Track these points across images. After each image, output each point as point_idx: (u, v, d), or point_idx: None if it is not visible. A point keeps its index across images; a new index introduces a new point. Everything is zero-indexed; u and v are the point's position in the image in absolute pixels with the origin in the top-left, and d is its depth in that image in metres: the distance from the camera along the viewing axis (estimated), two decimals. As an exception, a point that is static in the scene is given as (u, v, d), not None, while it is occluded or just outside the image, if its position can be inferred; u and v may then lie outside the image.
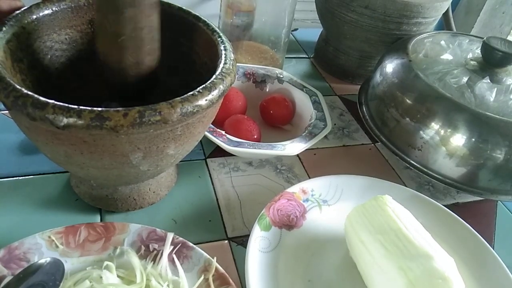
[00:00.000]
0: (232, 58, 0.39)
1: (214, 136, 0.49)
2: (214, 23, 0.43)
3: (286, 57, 0.72)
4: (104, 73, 0.39)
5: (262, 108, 0.60)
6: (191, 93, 0.33)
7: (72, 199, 0.46)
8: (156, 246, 0.40)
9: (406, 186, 0.54)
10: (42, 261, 0.36)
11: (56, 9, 0.40)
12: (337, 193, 0.50)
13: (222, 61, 0.38)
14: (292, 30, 0.88)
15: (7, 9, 0.37)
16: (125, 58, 0.38)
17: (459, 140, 0.49)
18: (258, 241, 0.42)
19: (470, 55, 0.59)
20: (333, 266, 0.44)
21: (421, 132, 0.52)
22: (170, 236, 0.40)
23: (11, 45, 0.36)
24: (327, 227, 0.47)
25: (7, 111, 0.52)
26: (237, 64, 0.40)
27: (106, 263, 0.37)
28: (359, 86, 0.67)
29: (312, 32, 0.85)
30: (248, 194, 0.51)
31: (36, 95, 0.29)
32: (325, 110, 0.57)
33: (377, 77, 0.60)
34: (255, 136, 0.54)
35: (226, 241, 0.45)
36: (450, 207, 0.51)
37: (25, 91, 0.30)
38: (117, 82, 0.40)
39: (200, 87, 0.34)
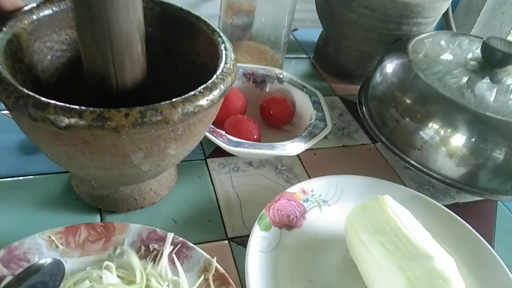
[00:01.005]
0: (232, 58, 0.39)
1: (214, 136, 0.49)
2: (214, 23, 0.43)
3: (286, 57, 0.72)
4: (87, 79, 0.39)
5: (262, 108, 0.60)
6: (192, 93, 0.33)
7: (72, 199, 0.46)
8: (156, 246, 0.40)
9: (406, 186, 0.54)
10: (42, 261, 0.36)
11: (56, 9, 0.40)
12: (337, 193, 0.50)
13: (223, 61, 0.38)
14: (292, 30, 0.88)
15: (11, 8, 0.37)
16: (106, 68, 0.37)
17: (459, 140, 0.49)
18: (258, 241, 0.42)
19: (470, 55, 0.59)
20: (333, 266, 0.44)
21: (421, 132, 0.52)
22: (170, 236, 0.40)
23: (11, 46, 0.36)
24: (327, 227, 0.47)
25: (7, 111, 0.52)
26: (237, 64, 0.40)
27: (106, 263, 0.37)
28: (359, 86, 0.67)
29: (312, 32, 0.85)
30: (248, 194, 0.51)
31: (37, 96, 0.29)
32: (325, 110, 0.57)
33: (377, 77, 0.60)
34: (255, 136, 0.54)
35: (226, 241, 0.45)
36: (450, 207, 0.51)
37: (26, 91, 0.30)
38: (103, 89, 0.39)
39: (201, 87, 0.34)
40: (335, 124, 0.65)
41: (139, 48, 0.37)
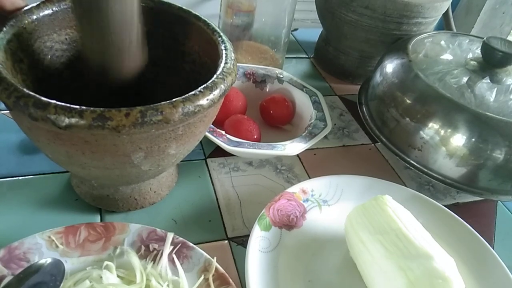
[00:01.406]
0: (233, 58, 0.39)
1: (214, 136, 0.49)
2: (214, 23, 0.43)
3: (286, 57, 0.72)
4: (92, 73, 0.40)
5: (262, 108, 0.60)
6: (193, 92, 0.33)
7: (72, 199, 0.46)
8: (156, 246, 0.40)
9: (406, 186, 0.54)
10: (42, 261, 0.36)
11: (56, 9, 0.40)
12: (337, 193, 0.50)
13: (223, 61, 0.38)
14: (292, 30, 0.88)
15: (11, 8, 0.37)
16: (108, 62, 0.38)
17: (459, 140, 0.49)
18: (258, 241, 0.42)
19: (470, 55, 0.59)
20: (333, 266, 0.44)
21: (421, 132, 0.52)
22: (170, 236, 0.40)
23: (11, 46, 0.36)
24: (327, 227, 0.47)
25: (7, 111, 0.52)
26: (237, 64, 0.40)
27: (106, 263, 0.37)
28: (359, 86, 0.67)
29: (312, 32, 0.85)
30: (248, 194, 0.51)
31: (37, 95, 0.29)
32: (325, 110, 0.57)
33: (377, 77, 0.60)
34: (255, 136, 0.54)
35: (226, 241, 0.45)
36: (450, 207, 0.51)
37: (27, 91, 0.30)
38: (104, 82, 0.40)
39: (201, 86, 0.34)
40: (335, 124, 0.65)
41: (139, 29, 0.38)
